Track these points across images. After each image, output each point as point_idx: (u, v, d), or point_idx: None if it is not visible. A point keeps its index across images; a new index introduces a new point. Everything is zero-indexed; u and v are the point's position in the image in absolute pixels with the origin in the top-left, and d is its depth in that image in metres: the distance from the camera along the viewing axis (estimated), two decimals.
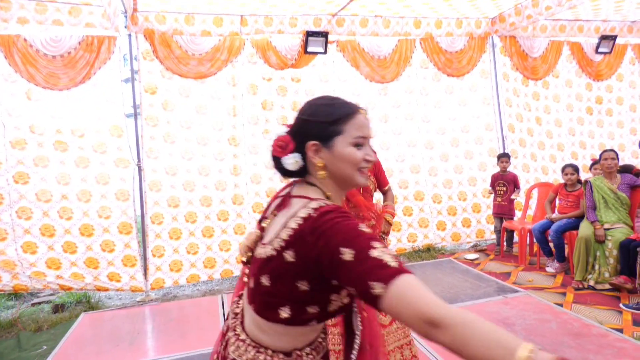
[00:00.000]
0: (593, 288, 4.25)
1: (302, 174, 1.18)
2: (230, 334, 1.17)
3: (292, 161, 1.14)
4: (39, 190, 4.56)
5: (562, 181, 5.20)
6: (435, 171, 6.03)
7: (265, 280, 1.07)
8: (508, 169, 5.67)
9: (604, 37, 6.32)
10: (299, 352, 1.12)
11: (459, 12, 5.63)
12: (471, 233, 6.15)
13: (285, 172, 1.19)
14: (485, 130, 6.19)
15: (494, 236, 5.96)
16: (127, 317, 4.30)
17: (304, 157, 1.15)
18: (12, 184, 4.49)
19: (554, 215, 5.02)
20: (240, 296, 1.26)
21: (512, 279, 4.72)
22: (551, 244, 4.95)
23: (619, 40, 6.49)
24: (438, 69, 5.94)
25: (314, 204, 1.03)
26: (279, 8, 4.96)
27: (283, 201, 1.16)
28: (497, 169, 5.76)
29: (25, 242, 4.54)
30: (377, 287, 0.87)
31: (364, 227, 0.97)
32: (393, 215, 2.83)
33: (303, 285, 1.03)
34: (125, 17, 4.72)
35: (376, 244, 0.93)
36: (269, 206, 1.25)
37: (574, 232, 4.66)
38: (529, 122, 6.37)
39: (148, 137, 4.90)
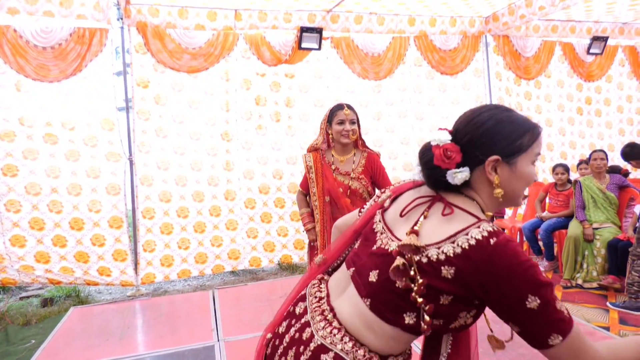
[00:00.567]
0: (581, 286, 4.30)
1: (453, 188, 1.07)
2: (316, 317, 1.10)
3: (462, 176, 1.04)
4: (28, 183, 4.51)
5: (551, 180, 5.25)
6: None
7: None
8: None
9: (595, 38, 6.38)
10: (395, 357, 1.08)
11: (453, 11, 5.64)
12: None
13: (434, 183, 1.09)
14: None
15: None
16: (117, 312, 4.28)
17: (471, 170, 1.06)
18: (1, 176, 4.43)
19: (544, 214, 5.07)
20: (320, 280, 1.22)
21: None
22: (541, 243, 5.00)
23: (610, 42, 6.55)
24: (432, 67, 5.95)
25: (488, 228, 0.96)
26: (273, 3, 4.93)
27: (433, 203, 1.07)
28: None
29: (14, 236, 4.49)
30: (556, 339, 0.93)
31: (540, 272, 0.95)
32: None
33: (445, 300, 0.98)
34: (118, 9, 4.67)
35: (554, 294, 0.95)
36: (397, 193, 1.17)
37: (564, 231, 4.71)
38: None
39: (140, 131, 4.86)
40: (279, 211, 5.41)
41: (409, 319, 1.00)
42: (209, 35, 5.01)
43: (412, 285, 0.98)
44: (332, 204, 2.61)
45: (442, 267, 0.96)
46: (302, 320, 1.13)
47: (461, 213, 1.02)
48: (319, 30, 5.17)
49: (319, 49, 5.27)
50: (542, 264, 4.94)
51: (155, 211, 4.92)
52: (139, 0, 4.67)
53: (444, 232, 0.99)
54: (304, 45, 5.18)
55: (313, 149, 2.77)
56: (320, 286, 1.20)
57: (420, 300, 0.97)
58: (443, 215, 1.03)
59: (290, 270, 5.34)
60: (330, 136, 2.69)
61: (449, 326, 1.03)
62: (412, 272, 0.98)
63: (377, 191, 1.40)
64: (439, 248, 0.98)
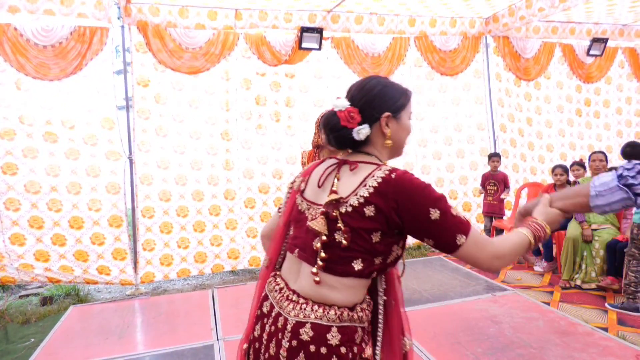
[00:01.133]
0: (580, 287, 4.31)
1: (356, 145, 1.30)
2: (284, 304, 1.23)
3: (365, 131, 1.26)
4: (28, 181, 4.51)
5: (550, 181, 5.25)
6: (427, 169, 6.06)
7: (338, 236, 1.19)
8: (498, 169, 5.72)
9: (595, 40, 6.39)
10: (360, 307, 1.25)
11: (453, 12, 5.65)
12: None
13: (342, 143, 1.30)
14: (477, 130, 6.24)
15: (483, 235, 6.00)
16: (117, 311, 4.28)
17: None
18: (0, 174, 4.43)
19: None
20: (274, 276, 1.36)
21: (500, 277, 4.78)
22: (539, 244, 5.00)
23: (609, 43, 6.56)
24: (432, 68, 5.96)
25: (387, 168, 1.22)
26: (273, 3, 4.94)
27: (340, 166, 1.29)
28: (488, 169, 5.81)
29: (13, 234, 4.49)
30: (461, 238, 1.16)
31: (436, 189, 1.19)
32: None
33: (376, 237, 1.19)
34: (119, 8, 4.67)
35: (450, 203, 1.19)
36: (308, 174, 1.36)
37: (562, 232, 4.72)
38: (520, 123, 6.43)
39: (140, 130, 4.86)
40: None
41: (357, 266, 1.20)
42: (210, 34, 5.01)
43: (339, 236, 1.20)
44: None
45: (365, 209, 1.17)
46: (273, 314, 1.26)
47: (364, 165, 1.26)
48: (319, 30, 5.18)
49: (319, 49, 5.28)
50: (541, 265, 4.95)
51: (155, 210, 4.92)
52: None
53: (355, 182, 1.22)
54: (304, 45, 5.19)
55: (315, 146, 2.92)
56: (277, 280, 1.33)
57: (345, 242, 1.18)
58: (351, 171, 1.26)
59: None
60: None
61: (387, 262, 1.24)
62: (339, 225, 1.19)
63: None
64: (356, 194, 1.19)
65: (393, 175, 1.18)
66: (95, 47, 4.61)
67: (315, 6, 5.12)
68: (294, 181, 1.43)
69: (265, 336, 1.25)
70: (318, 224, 1.22)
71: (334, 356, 1.16)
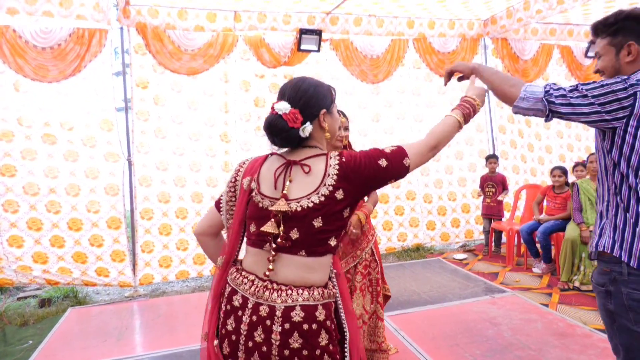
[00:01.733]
0: (578, 289, 4.32)
1: (301, 142, 1.44)
2: (263, 294, 1.34)
3: (309, 129, 1.42)
4: (26, 183, 4.50)
5: (550, 183, 5.26)
6: (427, 171, 6.07)
7: (317, 222, 1.35)
8: (497, 170, 5.73)
9: (593, 42, 6.39)
10: (331, 284, 1.43)
11: (451, 14, 5.66)
12: (460, 233, 6.21)
13: (290, 142, 1.43)
14: (476, 132, 6.24)
15: (482, 237, 6.02)
16: (115, 313, 4.27)
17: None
18: None
19: (541, 217, 5.08)
20: (236, 271, 1.44)
21: (499, 279, 4.78)
22: (538, 245, 5.01)
23: None
24: (430, 70, 5.97)
25: (335, 153, 1.41)
26: (272, 5, 4.94)
27: (288, 167, 1.41)
28: (486, 170, 5.82)
29: (11, 236, 4.48)
30: (407, 161, 1.41)
31: (373, 148, 1.43)
32: (367, 214, 2.68)
33: (347, 212, 1.39)
34: (117, 10, 4.67)
35: (384, 147, 1.43)
36: (256, 172, 1.48)
37: (561, 233, 4.73)
38: (519, 124, 6.44)
39: (139, 132, 4.86)
40: None
41: (332, 242, 1.39)
42: (208, 36, 5.01)
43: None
44: None
45: (336, 194, 1.35)
46: (250, 305, 1.35)
47: (315, 159, 1.41)
48: (318, 32, 5.18)
49: (318, 50, 5.28)
50: (540, 266, 4.95)
51: (153, 212, 4.92)
52: (139, 1, 4.67)
53: (316, 179, 1.38)
54: (303, 47, 5.19)
55: None
56: (243, 274, 1.42)
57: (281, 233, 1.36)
58: (306, 173, 1.39)
59: None
60: None
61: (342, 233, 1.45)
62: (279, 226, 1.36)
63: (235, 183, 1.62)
64: (325, 185, 1.36)
65: (344, 159, 1.38)
66: (94, 49, 4.61)
67: (314, 8, 5.12)
68: (235, 180, 1.55)
69: (244, 327, 1.34)
70: (269, 227, 1.36)
71: (323, 330, 1.33)
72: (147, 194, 4.90)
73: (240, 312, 1.36)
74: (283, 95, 1.44)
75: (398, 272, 5.09)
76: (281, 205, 1.36)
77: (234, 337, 1.36)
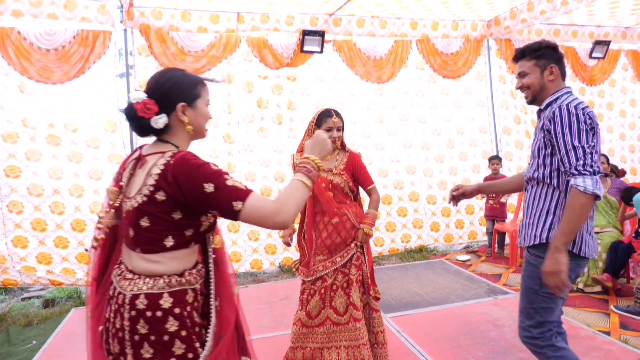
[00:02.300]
0: (582, 291, 4.29)
1: (158, 133, 1.45)
2: (123, 284, 1.39)
3: (162, 121, 1.41)
4: (31, 184, 4.53)
5: None
6: (430, 172, 6.05)
7: (144, 222, 1.36)
8: (501, 172, 5.71)
9: (597, 42, 6.38)
10: (189, 271, 1.44)
11: (455, 15, 5.65)
12: (464, 234, 6.19)
13: (143, 131, 1.44)
14: (480, 133, 6.23)
15: (485, 238, 6.00)
16: None
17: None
18: (3, 177, 4.46)
19: None
20: (119, 264, 1.49)
21: (502, 280, 4.76)
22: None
23: (612, 46, 6.55)
24: (434, 71, 5.97)
25: (169, 153, 1.37)
26: (275, 6, 4.95)
27: (137, 161, 1.44)
28: (489, 172, 5.80)
29: (16, 237, 4.51)
30: (238, 205, 1.31)
31: (212, 165, 1.35)
32: (371, 225, 2.77)
33: (177, 215, 1.36)
34: (121, 11, 4.70)
35: (227, 175, 1.34)
36: (122, 169, 1.51)
37: None
38: (525, 125, 6.42)
39: None
40: None
41: (169, 242, 1.38)
42: (212, 37, 5.03)
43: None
44: (313, 198, 2.76)
45: (156, 195, 1.34)
46: (115, 294, 1.42)
47: (151, 156, 1.40)
48: (321, 34, 5.19)
49: (321, 52, 5.29)
50: None
51: None
52: (143, 3, 4.69)
53: (144, 174, 1.38)
54: (306, 48, 5.20)
55: (302, 150, 2.89)
56: (120, 266, 1.48)
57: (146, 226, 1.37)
58: (140, 168, 1.41)
59: (292, 273, 5.33)
60: None
61: (201, 230, 1.44)
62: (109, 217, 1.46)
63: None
64: (145, 185, 1.35)
65: (172, 161, 1.34)
66: (98, 51, 4.64)
67: (317, 9, 5.13)
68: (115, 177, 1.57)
69: (112, 314, 1.40)
70: (106, 218, 1.45)
71: (170, 316, 1.36)
72: None
73: (112, 301, 1.42)
74: (147, 84, 1.46)
75: (401, 274, 5.08)
76: (115, 200, 1.43)
77: (107, 324, 1.43)
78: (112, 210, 1.48)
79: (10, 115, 4.46)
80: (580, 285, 4.32)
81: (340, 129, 2.75)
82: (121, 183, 1.45)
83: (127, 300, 1.36)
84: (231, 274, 1.62)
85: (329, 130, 2.72)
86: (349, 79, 5.67)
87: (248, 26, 5.12)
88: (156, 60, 4.87)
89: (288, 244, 2.96)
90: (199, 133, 1.53)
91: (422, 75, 5.98)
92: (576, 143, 1.90)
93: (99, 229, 1.49)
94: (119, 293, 1.39)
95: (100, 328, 1.47)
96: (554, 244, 1.91)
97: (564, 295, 1.99)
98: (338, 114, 2.75)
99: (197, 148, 5.04)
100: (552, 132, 1.97)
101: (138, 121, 1.41)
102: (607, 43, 6.41)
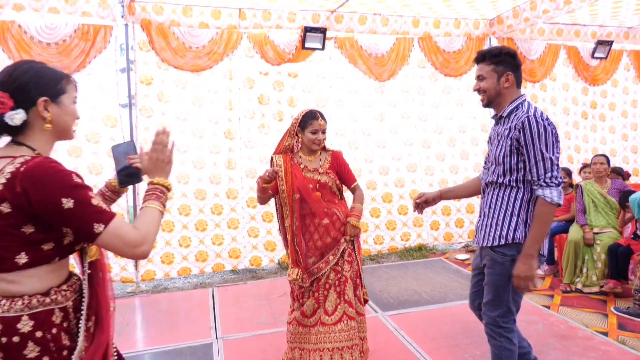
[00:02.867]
0: (581, 291, 4.29)
1: (14, 132, 1.29)
2: None
3: (19, 117, 1.25)
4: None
5: None
6: (431, 170, 6.05)
7: None
8: None
9: (600, 42, 6.35)
10: (57, 289, 1.29)
11: (457, 13, 5.63)
12: (463, 233, 6.19)
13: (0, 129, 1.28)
14: (481, 131, 6.21)
15: None
16: (117, 308, 4.18)
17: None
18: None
19: None
20: None
21: None
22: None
23: (615, 46, 6.52)
24: (435, 69, 5.95)
25: (20, 159, 1.20)
26: (277, 3, 4.94)
27: None
28: None
29: None
30: (99, 227, 1.19)
31: (75, 177, 1.21)
32: (358, 217, 2.72)
33: (29, 229, 1.20)
34: (122, 6, 4.68)
35: (91, 193, 1.22)
36: None
37: (564, 235, 4.70)
38: None
39: (142, 128, 4.87)
40: None
41: (22, 260, 1.21)
42: (213, 33, 5.02)
43: None
44: (301, 201, 2.68)
45: (1, 206, 1.17)
46: None
47: (3, 160, 1.24)
48: (322, 30, 5.18)
49: (323, 49, 5.28)
50: (542, 268, 4.92)
51: None
52: None
53: None
54: (307, 45, 5.19)
55: (282, 151, 2.78)
56: None
57: None
58: None
59: None
60: (300, 139, 2.76)
61: (65, 243, 1.29)
62: None
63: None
64: None
65: (22, 168, 1.18)
66: (98, 45, 4.63)
67: (319, 6, 5.11)
68: None
69: None
70: None
71: (30, 341, 1.20)
72: None
73: None
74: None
75: (400, 272, 5.08)
76: None
77: None
78: None
79: None
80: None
81: (325, 131, 2.71)
82: None
83: None
84: (110, 288, 1.46)
85: (314, 132, 2.66)
86: (350, 77, 5.66)
87: (250, 22, 5.10)
88: (157, 56, 4.86)
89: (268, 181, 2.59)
90: (64, 133, 1.37)
91: (423, 74, 5.97)
92: (546, 154, 2.05)
93: None
94: None
95: None
96: (526, 251, 2.09)
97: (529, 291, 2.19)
98: (323, 116, 2.70)
99: (198, 143, 5.04)
100: (522, 142, 2.09)
101: None
102: (610, 43, 6.39)
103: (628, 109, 7.01)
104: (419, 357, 3.12)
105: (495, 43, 6.17)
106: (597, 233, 4.38)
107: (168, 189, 1.42)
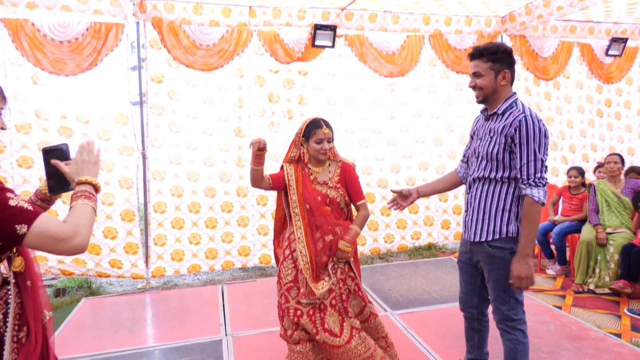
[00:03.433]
0: (593, 292, 4.24)
1: None
2: None
3: None
4: (43, 174, 4.55)
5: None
6: (443, 168, 6.00)
7: None
8: None
9: (614, 40, 6.26)
10: None
11: (468, 10, 5.58)
12: None
13: None
14: None
15: None
16: (128, 304, 4.33)
17: None
18: (16, 167, 4.51)
19: (556, 218, 5.00)
20: None
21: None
22: (553, 247, 4.93)
23: (629, 43, 6.42)
24: (447, 67, 5.91)
25: None
26: (287, 0, 4.93)
27: None
28: None
29: None
30: (22, 228, 1.13)
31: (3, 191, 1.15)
32: (350, 243, 2.53)
33: None
34: (134, 4, 4.71)
35: (10, 194, 1.16)
36: None
37: (576, 235, 4.65)
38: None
39: (153, 126, 4.90)
40: None
41: None
42: (223, 31, 5.02)
43: None
44: (310, 211, 2.55)
45: None
46: None
47: None
48: (333, 28, 5.16)
49: (333, 46, 5.26)
50: (554, 268, 4.87)
51: (166, 205, 4.96)
52: None
53: None
54: (317, 42, 5.17)
55: (291, 161, 2.67)
56: None
57: None
58: None
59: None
60: (305, 150, 2.61)
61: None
62: None
63: None
64: None
65: None
66: (110, 43, 4.66)
67: (329, 4, 5.10)
68: None
69: None
70: None
71: None
72: (161, 188, 4.94)
73: None
74: None
75: (409, 271, 5.06)
76: None
77: None
78: None
79: (23, 106, 4.50)
80: (592, 287, 4.26)
81: (331, 139, 2.56)
82: None
83: None
84: (43, 297, 1.39)
85: (319, 142, 2.52)
86: (361, 74, 5.63)
87: (260, 20, 5.10)
88: (169, 54, 4.88)
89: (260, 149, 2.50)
90: None
91: (434, 71, 5.92)
92: (538, 155, 2.11)
93: None
94: None
95: None
96: (523, 251, 2.14)
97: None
98: (327, 124, 2.55)
99: (208, 141, 5.06)
100: (517, 140, 2.13)
101: None
102: (625, 40, 6.29)
103: None
104: (428, 356, 3.11)
105: (507, 40, 6.10)
106: (610, 233, 4.32)
107: (97, 189, 1.35)
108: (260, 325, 3.68)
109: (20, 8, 4.31)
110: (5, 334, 1.26)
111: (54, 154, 1.47)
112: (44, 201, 1.64)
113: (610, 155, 4.56)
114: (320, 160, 2.61)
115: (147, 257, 4.90)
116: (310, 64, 5.43)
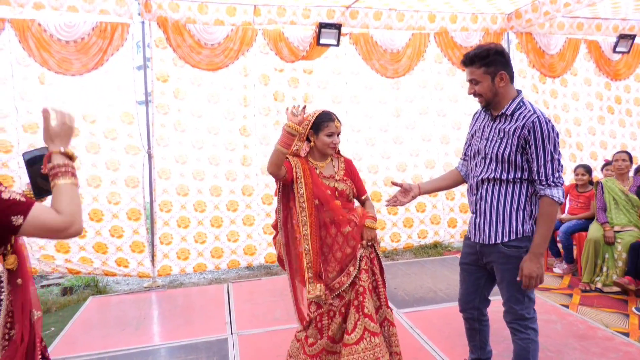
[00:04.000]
0: (600, 290, 4.20)
1: None
2: None
3: None
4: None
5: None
6: (449, 167, 5.96)
7: None
8: None
9: (622, 36, 6.20)
10: None
11: (474, 8, 5.55)
12: None
13: None
14: None
15: None
16: (134, 302, 4.35)
17: None
18: (23, 167, 4.52)
19: (563, 216, 4.97)
20: None
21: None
22: (560, 245, 4.90)
23: (637, 40, 6.36)
24: (452, 64, 5.88)
25: None
26: None
27: None
28: None
29: None
30: (18, 219, 1.15)
31: None
32: (374, 219, 2.52)
33: None
34: (139, 4, 4.73)
35: (1, 187, 1.18)
36: None
37: (583, 233, 4.61)
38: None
39: (159, 125, 4.92)
40: None
41: None
42: (228, 30, 5.03)
43: None
44: (318, 207, 2.47)
45: None
46: None
47: None
48: (337, 26, 5.15)
49: (338, 45, 5.25)
50: (561, 266, 4.84)
51: (172, 204, 4.98)
52: None
53: None
54: (322, 41, 5.16)
55: (294, 154, 2.55)
56: None
57: None
58: None
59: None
60: (312, 143, 2.53)
61: None
62: None
63: None
64: None
65: None
66: (116, 43, 4.68)
67: (334, 2, 5.09)
68: None
69: None
70: None
71: None
72: (166, 187, 4.96)
73: None
74: None
75: (415, 269, 5.05)
76: None
77: None
78: None
79: (30, 106, 4.54)
80: (599, 285, 4.23)
81: (339, 134, 2.51)
82: None
83: None
84: (32, 296, 1.41)
85: (330, 135, 2.45)
86: (366, 73, 5.62)
87: (265, 19, 5.10)
88: (174, 53, 4.90)
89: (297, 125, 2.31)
90: None
91: (440, 69, 5.90)
92: (555, 155, 2.12)
93: None
94: None
95: None
96: (536, 250, 2.13)
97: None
98: (338, 118, 2.52)
99: (213, 140, 5.07)
100: (532, 142, 2.11)
101: None
102: (632, 37, 6.23)
103: None
104: (434, 355, 3.10)
105: (513, 38, 6.07)
106: (618, 231, 4.28)
107: (72, 159, 1.32)
108: (265, 324, 3.68)
109: (26, 8, 4.34)
110: None
111: (37, 158, 1.43)
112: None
113: (618, 152, 4.52)
114: (327, 154, 2.55)
115: (153, 256, 4.93)
116: (315, 62, 5.42)
